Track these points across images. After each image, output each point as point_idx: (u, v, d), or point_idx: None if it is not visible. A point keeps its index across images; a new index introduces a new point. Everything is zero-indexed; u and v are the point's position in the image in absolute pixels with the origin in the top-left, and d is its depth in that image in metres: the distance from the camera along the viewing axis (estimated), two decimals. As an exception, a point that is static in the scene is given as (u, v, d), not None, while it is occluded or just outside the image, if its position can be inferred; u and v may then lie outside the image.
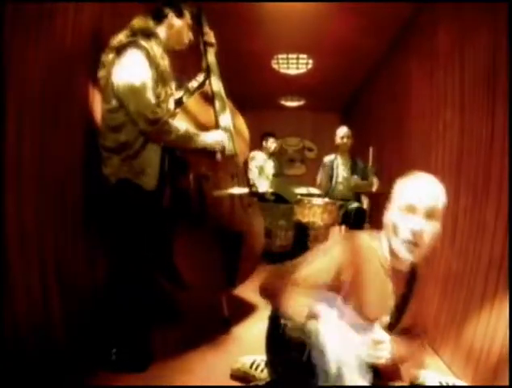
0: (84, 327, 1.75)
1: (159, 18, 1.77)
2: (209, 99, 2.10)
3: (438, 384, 1.61)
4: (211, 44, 2.16)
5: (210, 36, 2.16)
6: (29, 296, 1.40)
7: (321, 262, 1.21)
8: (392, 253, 1.17)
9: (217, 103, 2.08)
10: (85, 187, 1.75)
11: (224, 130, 2.03)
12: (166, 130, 1.67)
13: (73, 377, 1.55)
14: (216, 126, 2.04)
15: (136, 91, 1.56)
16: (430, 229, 1.08)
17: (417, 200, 1.09)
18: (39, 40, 1.42)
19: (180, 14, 1.81)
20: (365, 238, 1.26)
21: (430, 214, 1.08)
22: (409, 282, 1.24)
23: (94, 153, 1.68)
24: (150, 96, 1.59)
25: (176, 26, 1.80)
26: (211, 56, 2.14)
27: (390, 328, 1.21)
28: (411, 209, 1.09)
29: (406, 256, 1.12)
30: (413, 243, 1.09)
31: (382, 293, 1.21)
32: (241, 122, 2.30)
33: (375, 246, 1.23)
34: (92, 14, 1.78)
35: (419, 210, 1.08)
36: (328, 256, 1.21)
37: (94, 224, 1.82)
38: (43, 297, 1.47)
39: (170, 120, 1.70)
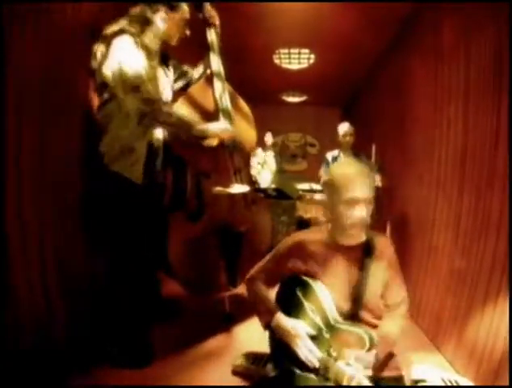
0: (85, 325, 1.75)
1: (153, 10, 1.72)
2: (210, 81, 2.05)
3: (440, 380, 1.61)
4: (212, 24, 2.09)
5: (211, 16, 2.08)
6: (30, 295, 1.40)
7: (269, 259, 1.49)
8: (339, 235, 1.36)
9: (216, 84, 2.03)
10: (85, 185, 1.75)
11: (222, 112, 1.98)
12: (165, 112, 1.64)
13: (74, 376, 1.55)
14: (216, 108, 1.99)
15: (128, 74, 1.54)
16: (369, 211, 1.29)
17: (358, 193, 1.26)
18: (37, 36, 1.40)
19: (172, 8, 1.75)
20: (306, 232, 1.51)
21: (369, 201, 1.28)
22: (363, 256, 1.36)
23: (94, 151, 1.67)
24: (144, 77, 1.57)
25: (168, 20, 1.74)
26: (211, 36, 2.09)
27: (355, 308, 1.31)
28: (354, 202, 1.26)
29: (355, 235, 1.33)
30: (360, 226, 1.30)
31: (334, 272, 1.36)
32: (244, 105, 2.24)
33: (316, 236, 1.42)
34: (91, 7, 1.76)
35: (361, 201, 1.26)
36: (274, 251, 1.49)
37: (94, 222, 1.81)
38: (43, 296, 1.48)
39: (169, 104, 1.69)
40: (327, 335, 1.25)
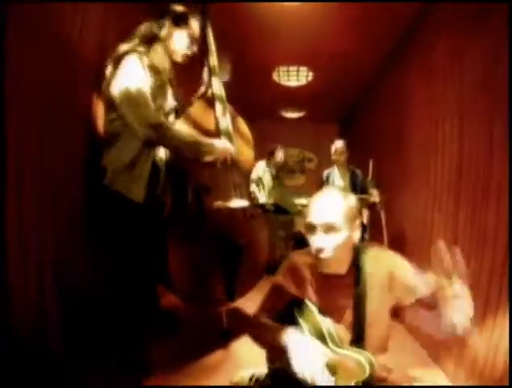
0: (82, 336, 1.73)
1: (160, 25, 1.73)
2: (211, 103, 2.06)
3: None
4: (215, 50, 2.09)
5: (213, 59, 2.08)
6: (27, 301, 1.39)
7: (266, 289, 1.37)
8: (319, 263, 1.23)
9: (218, 106, 2.04)
10: (85, 195, 1.76)
11: (223, 133, 1.99)
12: (170, 135, 1.64)
13: (70, 385, 1.53)
14: (217, 130, 2.00)
15: (134, 99, 1.55)
16: (332, 243, 1.14)
17: (313, 218, 1.16)
18: (43, 49, 1.43)
19: (177, 24, 1.75)
20: (300, 254, 1.37)
21: (328, 229, 1.14)
22: (353, 283, 1.24)
23: (95, 161, 1.69)
24: (149, 102, 1.59)
25: (173, 36, 1.75)
26: (213, 60, 2.09)
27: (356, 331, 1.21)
28: (311, 228, 1.17)
29: (325, 271, 1.21)
30: (323, 259, 1.17)
31: (328, 300, 1.25)
32: (244, 126, 2.25)
33: (307, 259, 1.30)
34: (97, 24, 1.79)
35: (317, 228, 1.15)
36: (269, 282, 1.37)
37: (95, 234, 1.81)
38: (40, 302, 1.46)
39: (173, 126, 1.69)
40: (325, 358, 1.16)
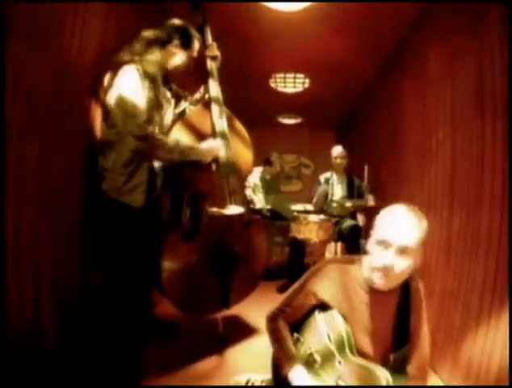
0: (75, 343, 1.72)
1: (166, 38, 1.78)
2: (208, 106, 2.08)
3: None
4: (213, 57, 2.14)
5: (212, 49, 2.14)
6: (22, 303, 1.38)
7: (294, 289, 1.36)
8: (369, 274, 1.23)
9: (214, 108, 2.05)
10: (83, 202, 1.76)
11: (219, 135, 2.01)
12: (157, 145, 1.66)
13: (65, 385, 1.52)
14: (213, 131, 2.02)
15: (126, 109, 1.58)
16: (401, 265, 1.13)
17: (391, 237, 1.14)
18: (45, 54, 1.44)
19: (185, 45, 1.83)
20: (340, 260, 1.39)
21: (402, 251, 1.13)
22: (401, 299, 1.25)
23: (94, 168, 1.69)
24: (140, 113, 1.61)
25: (176, 54, 1.82)
26: (211, 65, 2.13)
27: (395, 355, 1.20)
28: (384, 244, 1.14)
29: (377, 282, 1.18)
30: (384, 274, 1.15)
31: (360, 313, 1.24)
32: (242, 128, 2.27)
33: (350, 268, 1.30)
34: (98, 30, 1.81)
35: (392, 246, 1.13)
36: (300, 283, 1.35)
37: (91, 238, 1.81)
38: (36, 304, 1.46)
39: (161, 136, 1.71)
40: (339, 366, 1.17)
